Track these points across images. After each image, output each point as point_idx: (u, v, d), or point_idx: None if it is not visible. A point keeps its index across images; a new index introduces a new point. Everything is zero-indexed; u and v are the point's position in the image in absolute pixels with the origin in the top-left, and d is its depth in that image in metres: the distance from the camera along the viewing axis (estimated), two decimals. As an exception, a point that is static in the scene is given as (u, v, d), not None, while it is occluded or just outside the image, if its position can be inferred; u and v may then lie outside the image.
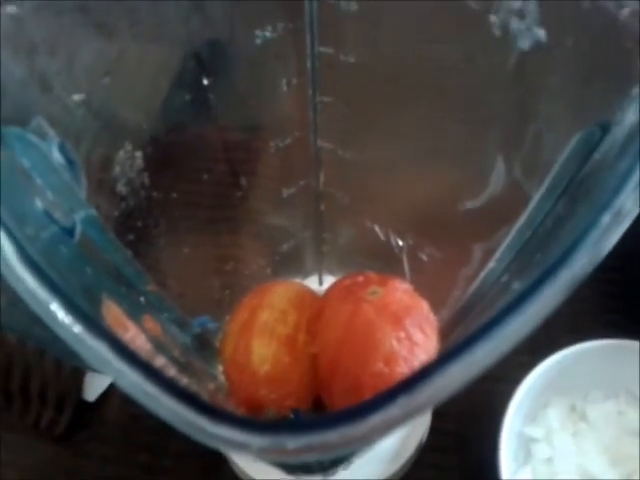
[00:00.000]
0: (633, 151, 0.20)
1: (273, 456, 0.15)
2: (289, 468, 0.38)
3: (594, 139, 0.25)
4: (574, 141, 0.26)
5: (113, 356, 0.16)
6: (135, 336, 0.24)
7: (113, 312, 0.23)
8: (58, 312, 0.17)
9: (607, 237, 0.18)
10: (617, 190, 0.19)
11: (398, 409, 0.16)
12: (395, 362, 0.31)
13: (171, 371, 0.25)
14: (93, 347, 0.16)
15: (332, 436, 0.16)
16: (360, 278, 0.36)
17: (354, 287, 0.35)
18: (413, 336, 0.31)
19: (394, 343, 0.31)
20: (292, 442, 0.15)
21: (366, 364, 0.30)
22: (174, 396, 0.16)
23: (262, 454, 0.15)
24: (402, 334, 0.31)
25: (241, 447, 0.15)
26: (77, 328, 0.16)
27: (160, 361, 0.25)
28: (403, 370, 0.30)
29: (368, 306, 0.32)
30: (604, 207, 0.19)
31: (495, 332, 0.17)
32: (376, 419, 0.16)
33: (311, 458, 0.15)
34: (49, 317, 0.17)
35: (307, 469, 0.37)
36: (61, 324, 0.16)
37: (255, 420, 0.16)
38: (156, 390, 0.16)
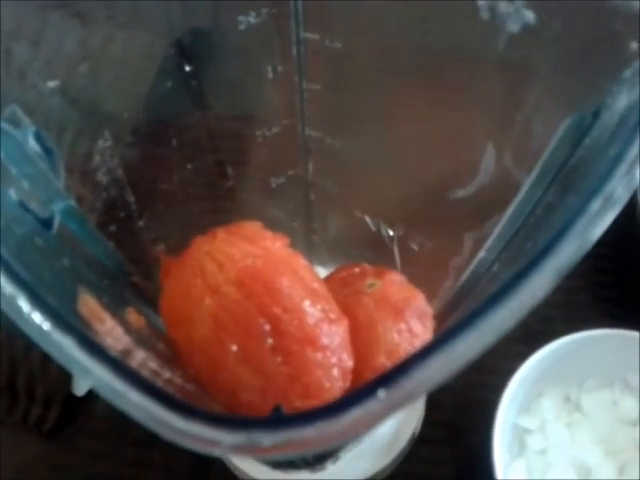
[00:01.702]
0: (624, 136, 0.20)
1: (247, 454, 0.15)
2: (272, 464, 0.37)
3: (584, 124, 0.24)
4: (564, 126, 0.25)
5: (80, 352, 0.15)
6: (112, 329, 0.23)
7: (89, 305, 0.23)
8: (24, 306, 0.16)
9: (597, 223, 0.18)
10: (607, 175, 0.18)
11: (378, 404, 0.15)
12: (397, 355, 0.30)
13: (152, 364, 0.25)
14: (60, 343, 0.15)
15: (309, 432, 0.15)
16: (356, 269, 0.35)
17: (351, 279, 0.34)
18: (413, 328, 0.31)
19: (395, 336, 0.30)
20: (267, 439, 0.15)
21: (368, 359, 0.30)
22: (142, 392, 0.15)
23: (235, 452, 0.14)
24: (403, 326, 0.31)
25: (212, 444, 0.14)
26: (44, 324, 0.16)
27: (140, 355, 0.24)
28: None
29: (368, 299, 0.32)
30: (594, 193, 0.18)
31: (478, 324, 0.16)
32: (355, 414, 0.15)
33: (288, 455, 0.15)
34: (14, 312, 0.16)
35: (291, 464, 0.37)
36: (27, 319, 0.16)
37: (228, 416, 0.15)
38: (124, 386, 0.15)
